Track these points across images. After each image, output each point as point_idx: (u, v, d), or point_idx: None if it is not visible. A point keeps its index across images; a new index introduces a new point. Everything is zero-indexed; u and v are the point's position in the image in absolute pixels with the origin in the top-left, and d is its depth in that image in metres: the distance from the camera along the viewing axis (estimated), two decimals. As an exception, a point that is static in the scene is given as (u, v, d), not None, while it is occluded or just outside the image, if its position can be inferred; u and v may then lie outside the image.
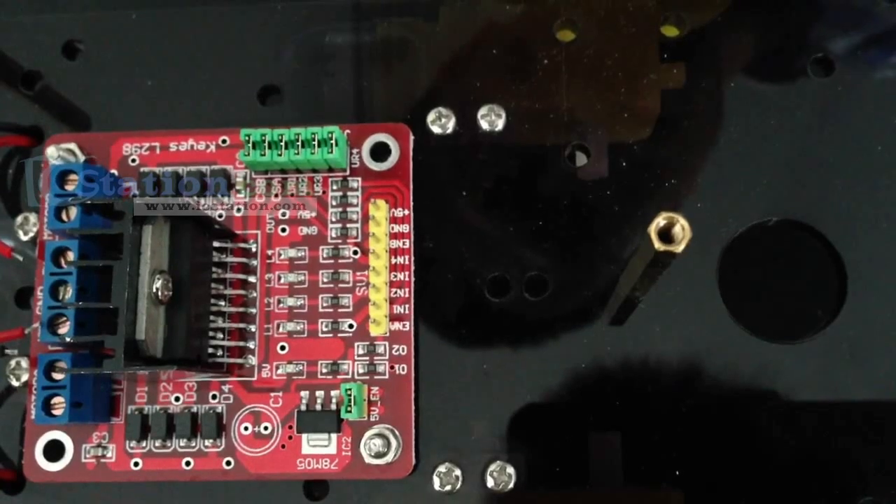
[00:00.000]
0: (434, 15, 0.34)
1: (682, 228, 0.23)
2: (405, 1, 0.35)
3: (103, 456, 0.30)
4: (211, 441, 0.30)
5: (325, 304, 0.31)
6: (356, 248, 0.31)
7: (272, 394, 0.31)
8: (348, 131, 0.32)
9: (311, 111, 0.33)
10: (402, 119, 0.32)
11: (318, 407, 0.30)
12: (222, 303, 0.31)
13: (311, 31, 0.34)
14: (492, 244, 0.32)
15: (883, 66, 0.33)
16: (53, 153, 0.32)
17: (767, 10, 0.33)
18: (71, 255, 0.29)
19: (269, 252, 0.31)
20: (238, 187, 0.32)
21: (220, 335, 0.30)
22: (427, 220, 0.32)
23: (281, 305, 0.31)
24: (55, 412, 0.29)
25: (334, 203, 0.32)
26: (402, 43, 0.34)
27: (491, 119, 0.32)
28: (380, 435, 0.30)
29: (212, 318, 0.30)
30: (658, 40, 0.33)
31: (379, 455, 0.30)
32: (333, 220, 0.31)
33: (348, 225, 0.31)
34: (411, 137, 0.32)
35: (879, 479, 0.30)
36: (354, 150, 0.32)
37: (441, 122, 0.32)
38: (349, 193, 0.32)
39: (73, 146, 0.32)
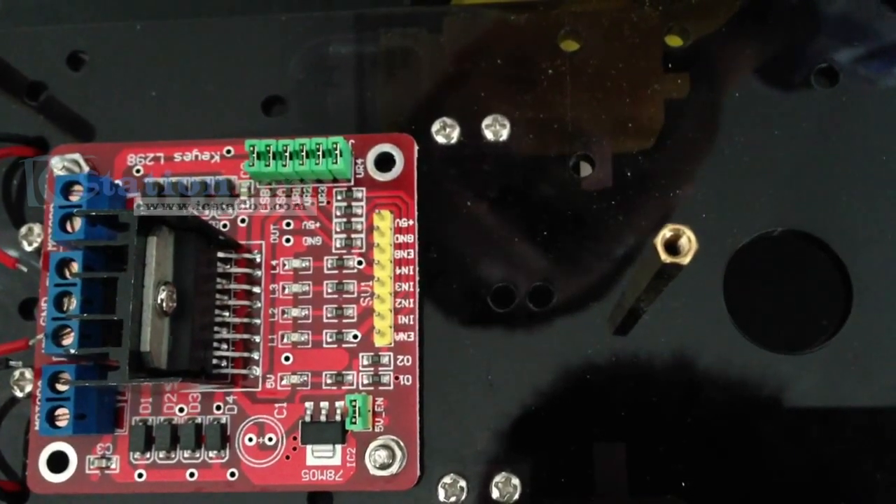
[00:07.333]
0: (438, 25, 0.34)
1: (688, 240, 0.23)
2: (409, 11, 0.35)
3: (107, 467, 0.30)
4: (215, 452, 0.30)
5: (329, 315, 0.31)
6: (361, 259, 0.31)
7: (276, 405, 0.30)
8: (352, 141, 0.32)
9: (315, 122, 0.33)
10: (406, 129, 0.32)
11: (323, 418, 0.30)
12: (226, 313, 0.31)
13: (315, 41, 0.34)
14: (496, 254, 0.32)
15: (887, 76, 0.33)
16: (58, 164, 0.32)
17: (771, 20, 0.33)
18: (75, 267, 0.29)
19: (274, 262, 0.31)
20: (242, 197, 0.32)
21: (224, 346, 0.30)
22: (432, 231, 0.32)
23: (285, 316, 0.31)
24: (59, 424, 0.29)
25: (339, 213, 0.32)
26: (406, 53, 0.34)
27: (495, 129, 0.32)
28: (384, 446, 0.30)
29: (216, 328, 0.30)
30: (662, 50, 0.33)
31: (384, 466, 0.29)
32: (338, 230, 0.31)
33: (353, 235, 0.31)
34: (416, 147, 0.32)
35: (886, 489, 0.30)
36: (359, 161, 0.32)
37: (445, 132, 0.32)
38: (353, 204, 0.32)
39: (77, 157, 0.32)
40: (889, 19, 0.33)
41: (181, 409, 0.31)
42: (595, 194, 0.32)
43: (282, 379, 0.31)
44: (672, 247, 0.24)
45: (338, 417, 0.30)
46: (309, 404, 0.30)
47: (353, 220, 0.31)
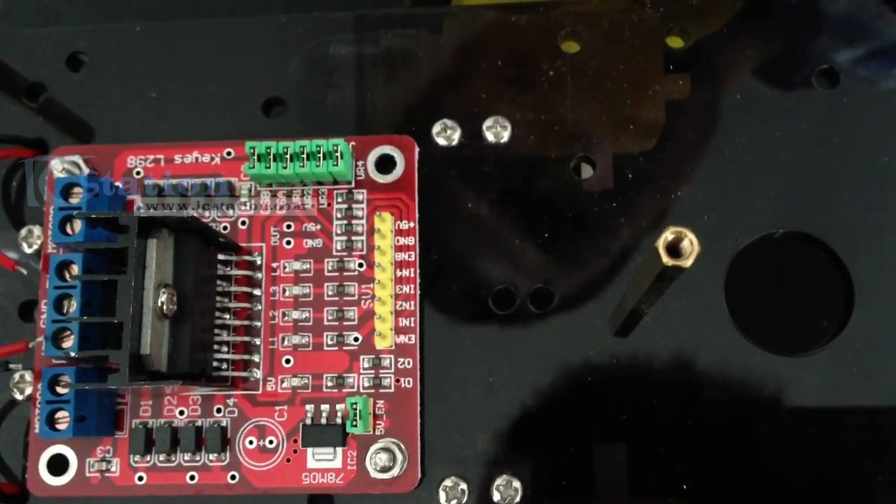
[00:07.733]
0: (438, 26, 0.34)
1: (690, 243, 0.23)
2: (409, 12, 0.35)
3: (107, 470, 0.30)
4: (215, 455, 0.30)
5: (330, 317, 0.31)
6: (361, 261, 0.31)
7: (277, 407, 0.30)
8: (353, 143, 0.32)
9: (315, 123, 0.33)
10: (406, 131, 0.32)
11: (324, 421, 0.30)
12: (227, 316, 0.30)
13: (314, 43, 0.34)
14: (497, 256, 0.32)
15: (887, 77, 0.33)
16: (58, 165, 0.32)
17: (772, 21, 0.33)
18: (75, 269, 0.29)
19: (274, 265, 0.31)
20: (242, 199, 0.32)
21: (224, 348, 0.30)
22: (432, 233, 0.32)
23: (286, 318, 0.31)
24: (59, 426, 0.29)
25: (339, 216, 0.31)
26: (407, 54, 0.34)
27: (496, 131, 0.32)
28: (385, 449, 0.30)
29: (216, 331, 0.30)
30: (662, 51, 0.33)
31: (384, 469, 0.29)
32: (338, 232, 0.31)
33: (353, 237, 0.31)
34: (416, 149, 0.32)
35: (886, 490, 0.30)
36: (359, 163, 0.32)
37: (446, 133, 0.32)
38: (354, 206, 0.32)
39: (77, 158, 0.32)
40: (890, 20, 0.33)
41: (181, 412, 0.31)
42: (596, 196, 0.32)
43: (282, 381, 0.31)
44: (674, 249, 0.23)
45: (338, 420, 0.30)
46: (309, 407, 0.30)
47: (354, 222, 0.31)
